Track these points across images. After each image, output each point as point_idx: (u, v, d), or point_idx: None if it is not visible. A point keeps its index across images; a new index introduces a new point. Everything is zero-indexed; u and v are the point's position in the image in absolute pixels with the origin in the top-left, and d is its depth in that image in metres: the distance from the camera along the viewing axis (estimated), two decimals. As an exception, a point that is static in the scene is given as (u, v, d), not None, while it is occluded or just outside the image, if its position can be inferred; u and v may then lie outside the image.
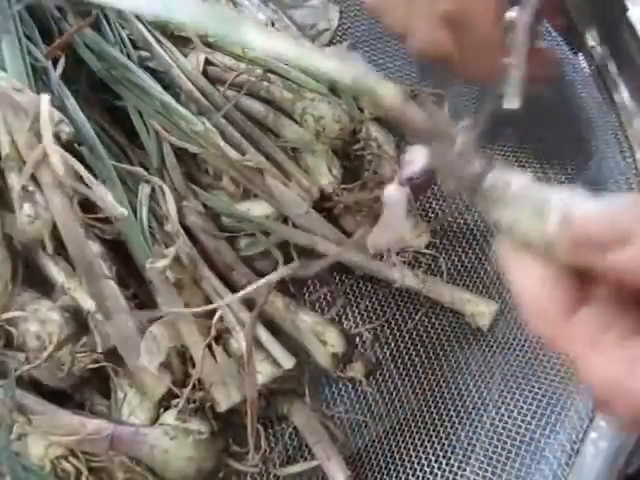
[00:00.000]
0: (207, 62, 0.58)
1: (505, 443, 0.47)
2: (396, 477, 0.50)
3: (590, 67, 0.58)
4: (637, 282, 0.24)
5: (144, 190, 0.49)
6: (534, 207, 0.25)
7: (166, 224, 0.48)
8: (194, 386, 0.47)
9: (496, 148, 0.57)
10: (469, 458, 0.48)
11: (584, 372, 0.25)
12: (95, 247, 0.47)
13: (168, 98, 0.53)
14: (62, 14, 0.53)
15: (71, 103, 0.50)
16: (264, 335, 0.49)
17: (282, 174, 0.53)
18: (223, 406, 0.47)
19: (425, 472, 0.49)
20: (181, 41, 0.58)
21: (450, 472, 0.49)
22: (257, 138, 0.54)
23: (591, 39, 0.58)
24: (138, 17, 0.55)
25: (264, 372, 0.48)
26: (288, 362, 0.48)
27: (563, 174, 0.56)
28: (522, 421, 0.48)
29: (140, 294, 0.50)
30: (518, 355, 0.52)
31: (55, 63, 0.51)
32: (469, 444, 0.49)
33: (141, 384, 0.47)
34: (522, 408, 0.48)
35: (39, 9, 0.54)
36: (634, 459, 0.42)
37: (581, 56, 0.58)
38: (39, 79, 0.50)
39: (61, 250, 0.49)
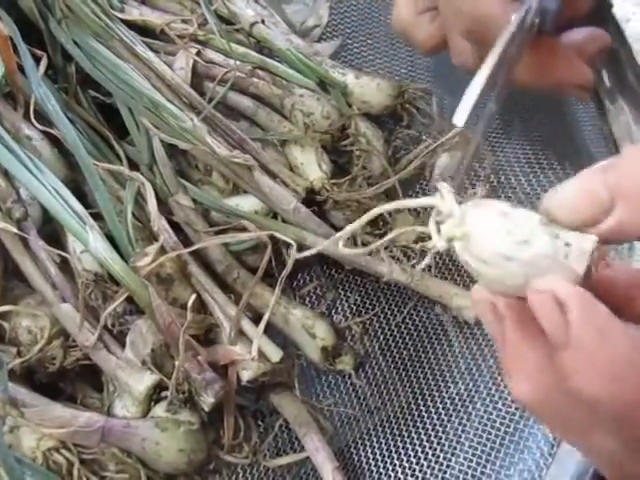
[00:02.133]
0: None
1: (490, 434, 0.48)
2: (384, 468, 0.51)
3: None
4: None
5: (130, 188, 0.50)
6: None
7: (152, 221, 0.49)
8: (184, 379, 0.47)
9: (484, 143, 0.57)
10: (455, 449, 0.49)
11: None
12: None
13: (157, 95, 0.53)
14: (50, 10, 0.53)
15: (52, 104, 0.50)
16: (252, 329, 0.49)
17: (268, 174, 0.53)
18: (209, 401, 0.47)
19: (412, 462, 0.50)
20: (167, 39, 0.58)
21: (437, 462, 0.49)
22: (245, 134, 0.54)
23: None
24: (124, 20, 0.56)
25: (251, 366, 0.49)
26: (275, 355, 0.49)
27: (550, 171, 0.56)
28: (507, 412, 0.48)
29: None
30: (504, 347, 0.52)
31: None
32: (455, 435, 0.50)
33: (125, 384, 0.47)
34: (507, 400, 0.49)
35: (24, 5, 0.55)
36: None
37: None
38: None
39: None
